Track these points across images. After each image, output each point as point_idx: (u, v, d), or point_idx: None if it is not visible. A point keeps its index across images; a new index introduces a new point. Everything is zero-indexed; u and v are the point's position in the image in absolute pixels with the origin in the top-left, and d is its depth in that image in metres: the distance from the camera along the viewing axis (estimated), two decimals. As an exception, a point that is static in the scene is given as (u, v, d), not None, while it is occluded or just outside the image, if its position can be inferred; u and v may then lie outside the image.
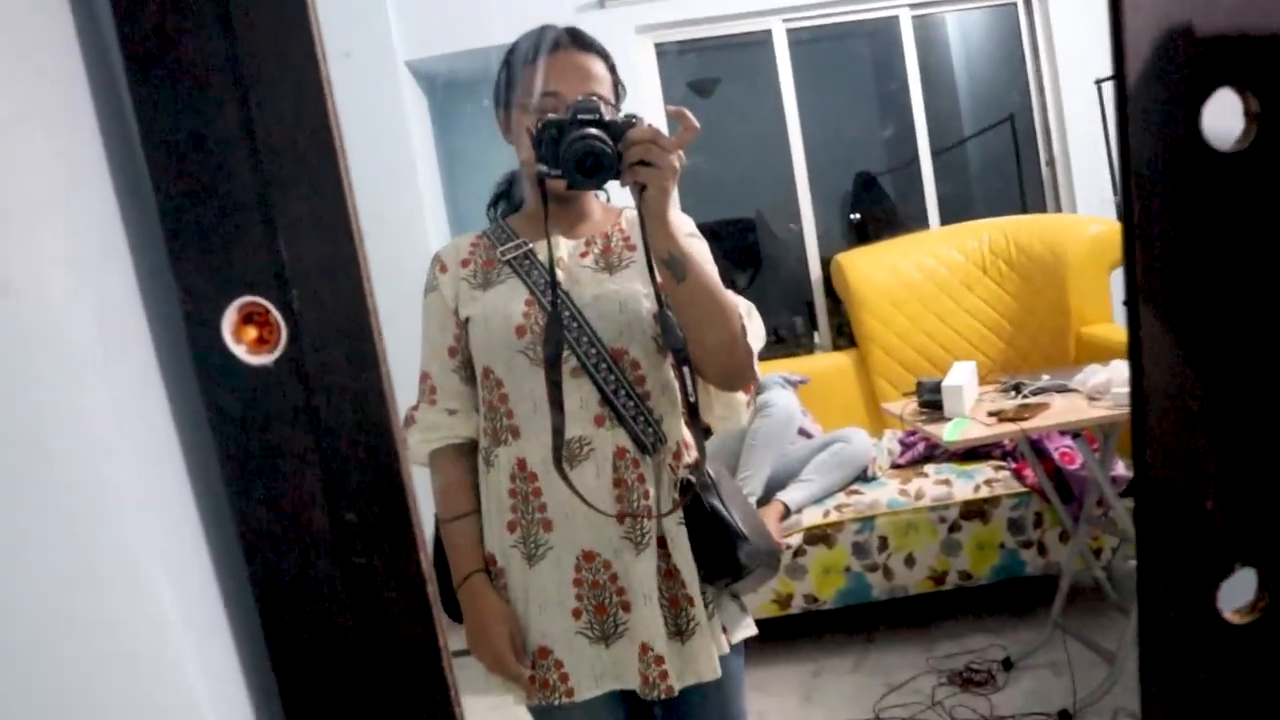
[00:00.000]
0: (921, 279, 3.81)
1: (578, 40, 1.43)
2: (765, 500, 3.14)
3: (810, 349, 4.22)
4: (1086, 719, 2.59)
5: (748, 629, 1.54)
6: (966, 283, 3.78)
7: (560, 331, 1.35)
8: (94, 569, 0.63)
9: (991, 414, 2.60)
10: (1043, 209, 4.19)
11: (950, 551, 3.12)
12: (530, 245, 1.46)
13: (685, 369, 1.34)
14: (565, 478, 1.34)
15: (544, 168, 1.28)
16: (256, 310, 0.70)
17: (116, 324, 0.67)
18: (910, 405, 2.88)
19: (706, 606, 1.44)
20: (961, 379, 2.68)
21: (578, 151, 1.25)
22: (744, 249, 5.57)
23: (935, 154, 4.26)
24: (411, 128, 3.74)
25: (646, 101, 4.01)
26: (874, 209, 5.43)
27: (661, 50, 4.10)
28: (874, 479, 3.30)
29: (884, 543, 3.11)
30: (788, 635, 3.29)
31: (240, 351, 0.70)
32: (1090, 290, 3.57)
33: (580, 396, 1.40)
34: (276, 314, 0.69)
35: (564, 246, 1.47)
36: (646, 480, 1.41)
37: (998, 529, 3.12)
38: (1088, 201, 4.04)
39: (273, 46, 0.66)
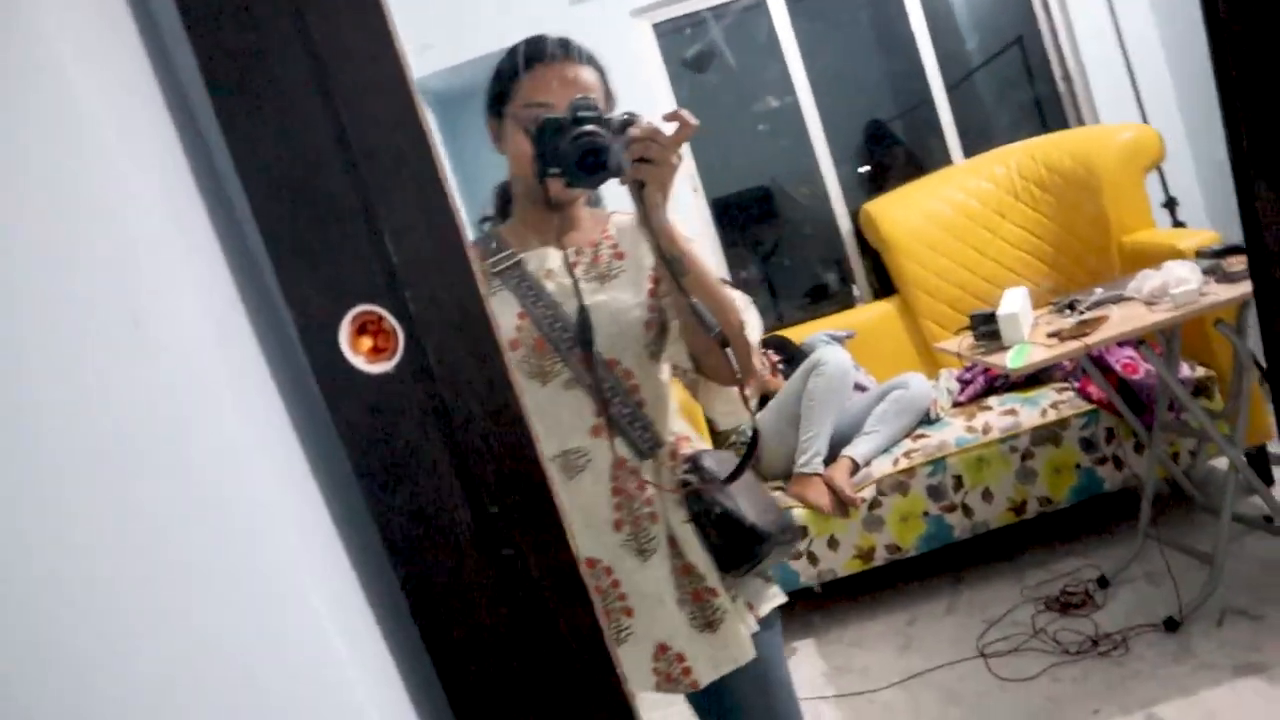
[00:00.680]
0: (953, 215, 3.78)
1: (568, 50, 1.43)
2: (832, 458, 3.13)
3: (850, 303, 4.19)
4: (1193, 624, 2.57)
5: (774, 600, 1.55)
6: (1000, 211, 3.74)
7: (588, 319, 1.36)
8: (250, 588, 0.64)
9: (1051, 335, 2.58)
10: (1065, 126, 4.13)
11: (1026, 480, 3.10)
12: (520, 255, 1.46)
13: (727, 350, 1.35)
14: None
15: (544, 166, 1.28)
16: (369, 319, 0.71)
17: (235, 348, 0.68)
18: (966, 340, 2.86)
19: (729, 592, 1.46)
20: (1016, 305, 2.66)
21: (580, 148, 1.24)
22: (764, 217, 5.54)
23: (948, 89, 4.21)
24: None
25: (651, 83, 4.00)
26: (885, 156, 5.38)
27: (661, 30, 4.09)
28: (938, 420, 3.28)
29: (958, 482, 3.10)
30: (875, 588, 3.29)
31: (360, 362, 0.71)
32: (1127, 198, 3.52)
33: (575, 409, 1.42)
34: (391, 319, 0.70)
35: (553, 257, 1.46)
36: (647, 488, 1.43)
37: (1071, 450, 3.09)
38: (1110, 111, 3.98)
39: (356, 54, 0.66)
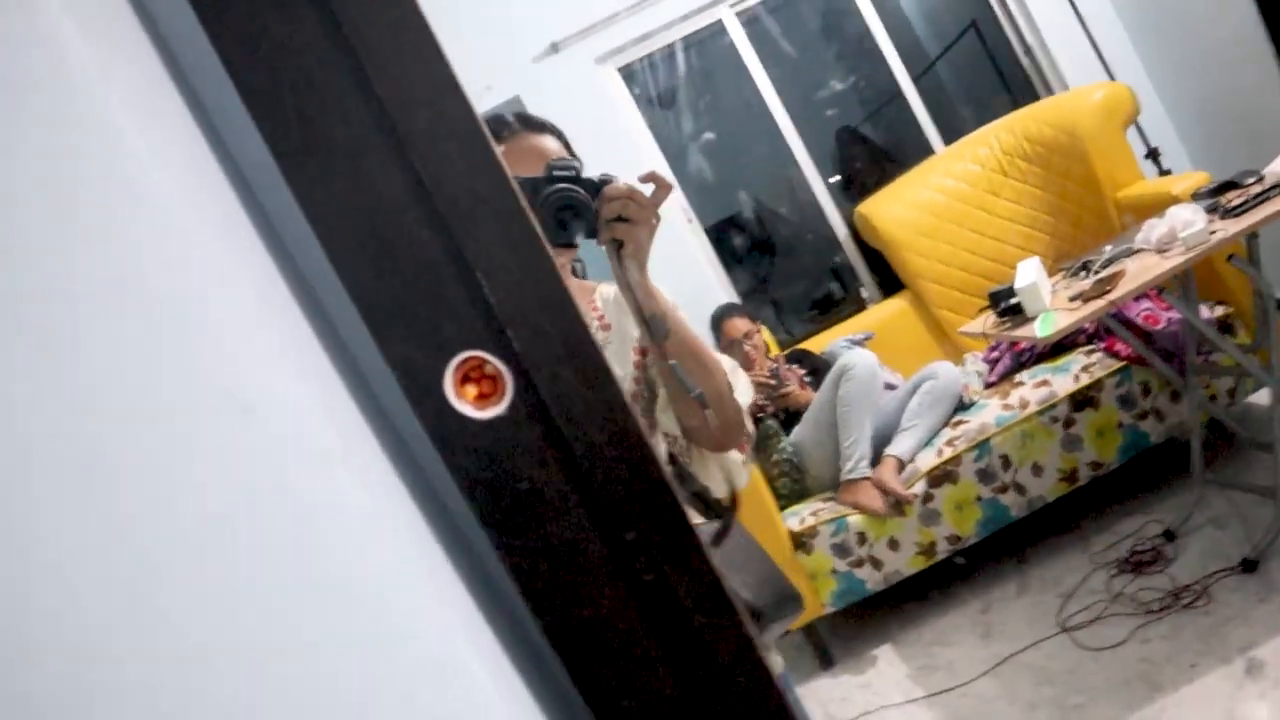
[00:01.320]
0: (947, 202, 3.80)
1: (527, 123, 1.42)
2: (876, 460, 3.11)
3: (862, 306, 4.19)
4: (1270, 560, 2.54)
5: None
6: (992, 190, 3.76)
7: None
8: (397, 661, 0.63)
9: (1073, 299, 2.58)
10: (1036, 98, 4.16)
11: (1072, 447, 3.08)
12: None
13: (708, 412, 1.33)
14: None
15: None
16: (471, 366, 0.70)
17: (339, 417, 0.67)
18: (989, 319, 2.86)
19: None
20: (1033, 275, 2.65)
21: (555, 203, 1.21)
22: (754, 238, 5.57)
23: (914, 82, 4.25)
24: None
25: (625, 124, 4.03)
26: (860, 160, 5.42)
27: (627, 72, 4.13)
28: (973, 404, 3.27)
29: (1005, 461, 3.07)
30: (942, 582, 3.26)
31: (469, 410, 0.70)
32: (1113, 154, 3.53)
33: None
34: (495, 362, 0.69)
35: None
36: None
37: (1111, 410, 3.08)
38: (1077, 75, 4.02)
39: (421, 101, 0.66)
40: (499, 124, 1.41)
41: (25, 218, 0.56)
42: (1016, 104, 4.29)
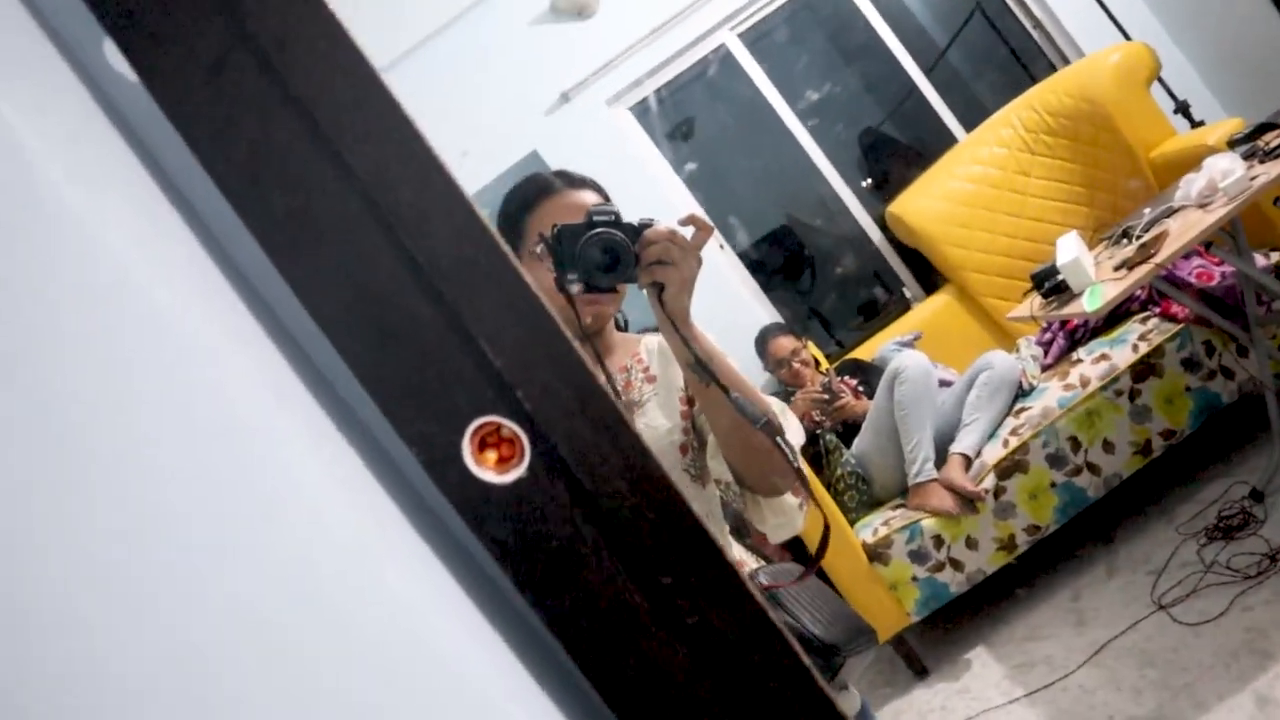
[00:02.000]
0: (976, 188, 3.75)
1: (569, 180, 1.42)
2: (942, 459, 3.06)
3: (907, 306, 4.14)
4: (1367, 507, 2.44)
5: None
6: (1022, 170, 3.70)
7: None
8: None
9: (1118, 268, 2.52)
10: (1053, 71, 4.10)
11: (1142, 419, 3.00)
12: None
13: (778, 439, 1.27)
14: None
15: (563, 273, 1.22)
16: (487, 431, 0.69)
17: (364, 500, 0.67)
18: (1035, 301, 2.80)
19: None
20: (1073, 250, 2.60)
21: (596, 245, 1.20)
22: (790, 254, 5.55)
23: (927, 75, 4.22)
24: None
25: (644, 162, 4.05)
26: (889, 160, 5.38)
27: (640, 110, 4.16)
28: (1033, 389, 3.20)
29: (1074, 443, 3.00)
30: (1027, 576, 3.18)
31: (491, 477, 0.70)
32: (1140, 114, 3.47)
33: None
34: (510, 424, 0.69)
35: None
36: None
37: (1175, 375, 2.99)
38: (1091, 40, 3.96)
39: (404, 181, 0.66)
40: (543, 182, 1.41)
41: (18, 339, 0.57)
42: (1034, 79, 4.24)
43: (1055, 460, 2.99)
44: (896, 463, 3.09)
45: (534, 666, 0.72)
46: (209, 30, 0.68)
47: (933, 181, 3.88)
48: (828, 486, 3.21)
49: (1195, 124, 3.69)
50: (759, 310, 4.06)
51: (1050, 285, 2.71)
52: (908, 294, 4.18)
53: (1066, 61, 4.10)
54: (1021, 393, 3.20)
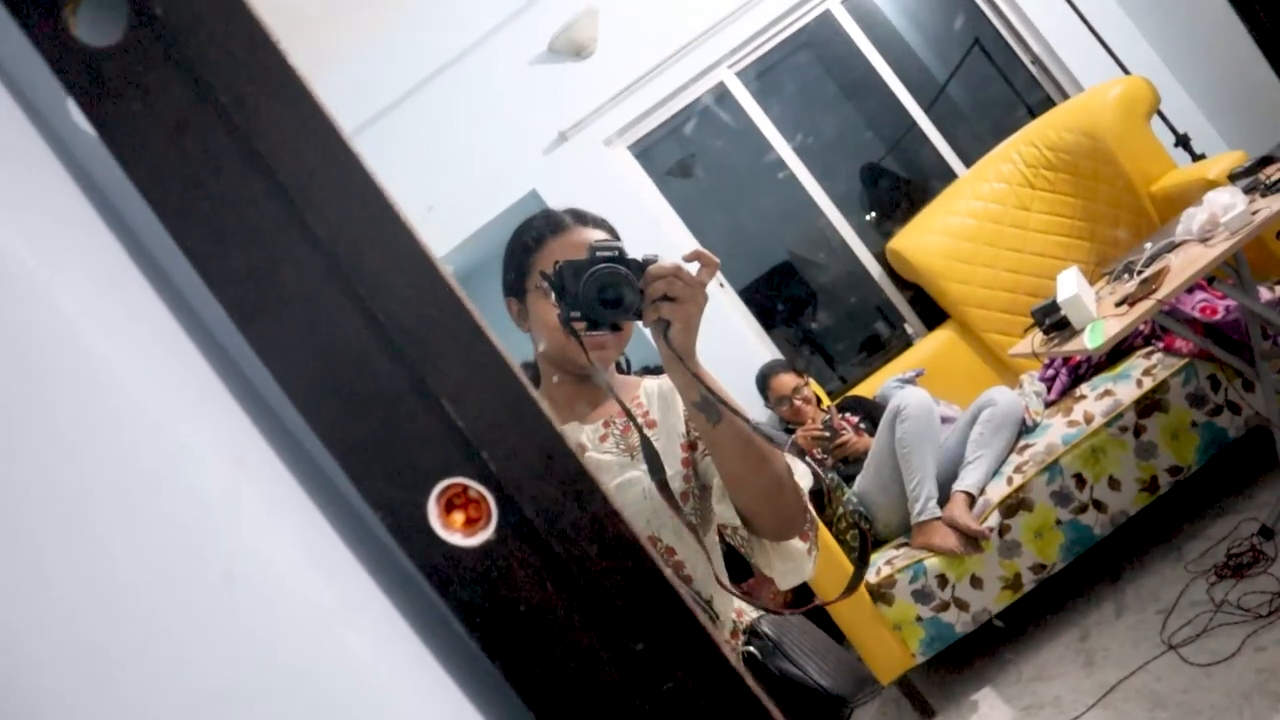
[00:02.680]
0: (977, 224, 3.74)
1: (579, 218, 1.40)
2: (945, 497, 3.02)
3: (909, 342, 4.12)
4: (1378, 544, 2.40)
5: None
6: (1022, 205, 3.70)
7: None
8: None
9: (1120, 304, 2.50)
10: (1052, 105, 4.11)
11: (1147, 455, 2.97)
12: None
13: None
14: None
15: (567, 312, 1.19)
16: (454, 493, 0.68)
17: (329, 565, 0.65)
18: (1037, 337, 2.78)
19: None
20: (1074, 286, 2.59)
21: (599, 281, 1.17)
22: (794, 291, 5.54)
23: (926, 111, 4.23)
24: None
25: (644, 201, 4.05)
26: (890, 194, 5.39)
27: (639, 149, 4.17)
28: (1036, 426, 3.17)
29: (1079, 480, 2.97)
30: (1034, 615, 3.13)
31: (458, 539, 0.68)
32: (1140, 149, 3.47)
33: None
34: (476, 485, 0.68)
35: (584, 432, 1.39)
36: None
37: (1181, 410, 2.96)
38: (1089, 74, 3.96)
39: (366, 242, 0.65)
40: (554, 218, 1.40)
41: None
42: (1034, 114, 4.24)
43: (1060, 498, 2.96)
44: (899, 501, 3.06)
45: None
46: (172, 89, 0.67)
47: (933, 217, 3.87)
48: (829, 525, 3.17)
49: (1196, 157, 3.68)
50: (760, 348, 4.05)
51: (1051, 321, 2.69)
52: (909, 330, 4.16)
53: (1066, 96, 4.10)
54: (1025, 429, 3.17)
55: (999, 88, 4.65)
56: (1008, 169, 3.75)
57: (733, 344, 3.94)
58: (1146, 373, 3.02)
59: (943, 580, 2.93)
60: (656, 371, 1.48)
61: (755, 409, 3.63)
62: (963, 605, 2.95)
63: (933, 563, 2.94)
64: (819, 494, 3.22)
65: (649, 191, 4.12)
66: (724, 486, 1.30)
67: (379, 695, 0.60)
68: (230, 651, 0.59)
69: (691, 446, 1.39)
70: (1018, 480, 2.98)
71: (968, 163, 4.10)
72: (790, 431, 3.40)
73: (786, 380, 3.49)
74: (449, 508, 0.68)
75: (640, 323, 1.20)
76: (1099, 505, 2.96)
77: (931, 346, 3.85)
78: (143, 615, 0.58)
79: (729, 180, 5.13)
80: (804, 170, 4.12)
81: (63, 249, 0.63)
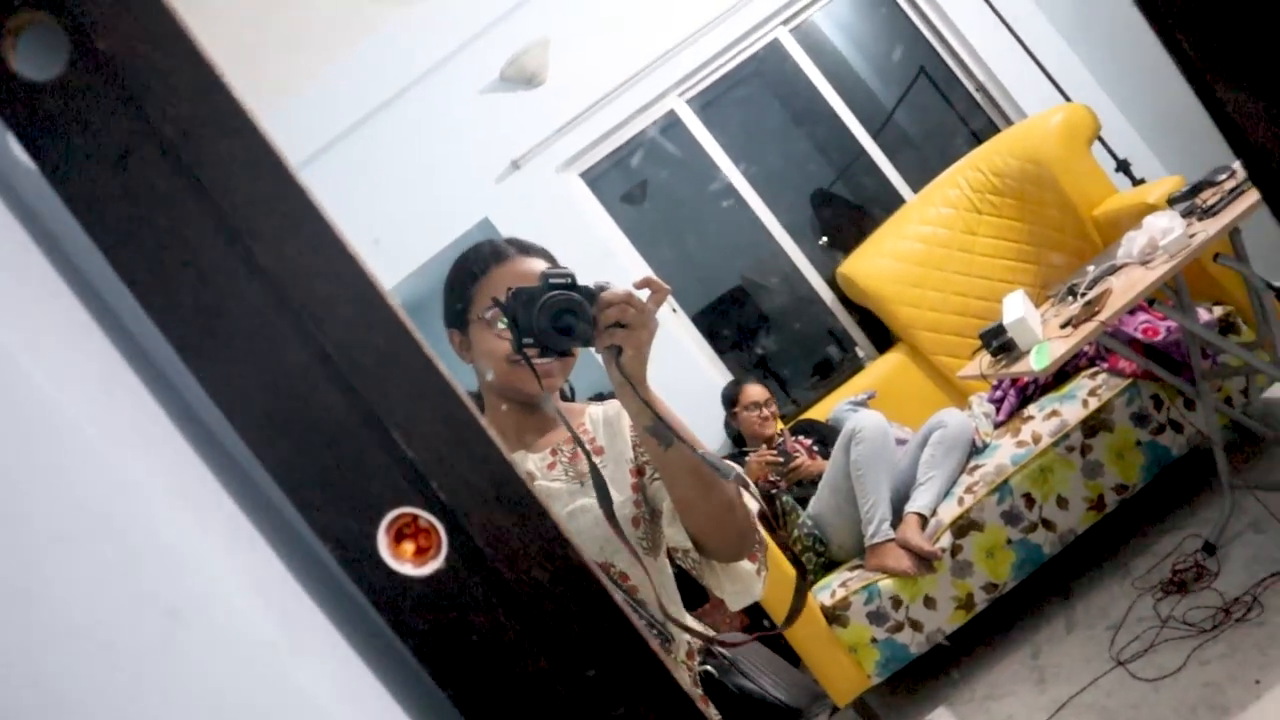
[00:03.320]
0: (925, 248, 3.80)
1: (522, 248, 1.40)
2: (898, 520, 3.05)
3: (859, 365, 4.17)
4: (1317, 558, 2.46)
5: None
6: (968, 229, 3.76)
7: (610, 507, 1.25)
8: None
9: (1064, 326, 2.55)
10: (996, 131, 4.19)
11: (1094, 474, 3.02)
12: None
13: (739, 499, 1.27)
14: None
15: (519, 338, 1.19)
16: (403, 523, 0.68)
17: (277, 599, 0.65)
18: (985, 359, 2.83)
19: None
20: (1019, 309, 2.64)
21: (552, 308, 1.17)
22: (746, 316, 5.58)
23: (874, 137, 4.29)
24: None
25: (596, 228, 4.06)
26: (840, 219, 5.45)
27: (591, 176, 4.18)
28: (986, 447, 3.22)
29: (1029, 499, 3.01)
30: (986, 633, 3.16)
31: (409, 569, 0.68)
32: (1082, 174, 3.54)
33: None
34: (426, 515, 0.68)
35: (531, 460, 1.40)
36: None
37: (1126, 430, 3.02)
38: (1032, 102, 4.05)
39: (314, 273, 0.66)
40: (496, 248, 1.40)
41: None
42: (979, 140, 4.32)
43: (1010, 517, 3.00)
44: (853, 523, 3.08)
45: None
46: (114, 122, 0.67)
47: (882, 241, 3.93)
48: (784, 548, 3.18)
49: (1136, 182, 3.77)
50: (713, 372, 4.07)
51: (999, 344, 2.73)
52: (860, 353, 4.21)
53: (1009, 122, 4.19)
54: (975, 450, 3.21)
55: (944, 115, 4.74)
56: (954, 194, 3.82)
57: (685, 369, 3.96)
58: (1092, 393, 3.08)
59: (897, 601, 2.95)
60: (602, 398, 1.48)
61: (710, 430, 3.64)
62: (917, 626, 2.97)
63: (887, 584, 2.96)
64: (774, 517, 3.23)
65: (601, 218, 4.13)
66: (674, 510, 1.31)
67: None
68: (180, 691, 0.58)
69: (639, 472, 1.38)
70: (969, 501, 3.02)
71: (915, 188, 4.17)
72: (744, 454, 3.42)
73: (759, 390, 3.55)
74: (399, 538, 0.68)
75: (593, 349, 1.20)
76: (1048, 524, 3.01)
77: (882, 369, 3.90)
78: (91, 656, 0.58)
79: (681, 206, 5.17)
80: (755, 196, 4.16)
81: (3, 284, 0.62)
